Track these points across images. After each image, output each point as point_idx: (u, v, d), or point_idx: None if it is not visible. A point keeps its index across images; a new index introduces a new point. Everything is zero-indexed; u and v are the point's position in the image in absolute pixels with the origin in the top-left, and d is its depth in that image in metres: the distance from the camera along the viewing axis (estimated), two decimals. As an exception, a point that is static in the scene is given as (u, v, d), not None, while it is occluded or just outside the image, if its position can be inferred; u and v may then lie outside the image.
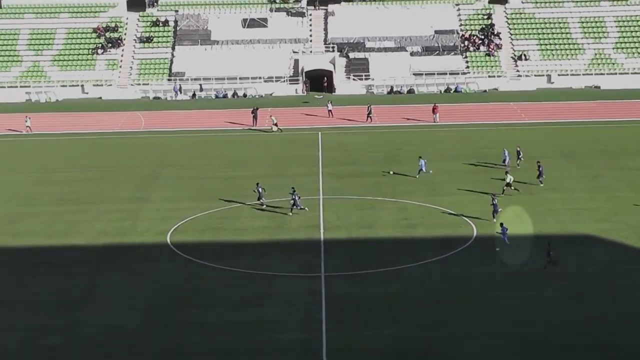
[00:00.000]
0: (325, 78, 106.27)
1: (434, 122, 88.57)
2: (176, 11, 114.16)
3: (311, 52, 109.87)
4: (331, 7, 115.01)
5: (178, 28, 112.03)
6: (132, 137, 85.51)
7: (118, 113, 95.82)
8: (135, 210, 62.18)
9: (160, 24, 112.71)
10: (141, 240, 56.44)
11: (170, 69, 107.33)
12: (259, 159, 76.16)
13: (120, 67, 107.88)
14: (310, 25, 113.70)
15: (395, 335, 42.70)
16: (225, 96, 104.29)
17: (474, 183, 66.87)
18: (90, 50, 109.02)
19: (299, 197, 60.11)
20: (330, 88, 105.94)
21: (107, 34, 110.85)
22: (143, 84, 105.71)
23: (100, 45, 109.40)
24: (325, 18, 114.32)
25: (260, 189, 61.82)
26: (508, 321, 43.98)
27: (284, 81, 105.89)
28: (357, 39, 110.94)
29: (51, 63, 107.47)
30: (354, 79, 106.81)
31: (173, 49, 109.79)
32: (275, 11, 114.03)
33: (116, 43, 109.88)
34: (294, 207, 60.03)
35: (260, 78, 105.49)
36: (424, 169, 68.89)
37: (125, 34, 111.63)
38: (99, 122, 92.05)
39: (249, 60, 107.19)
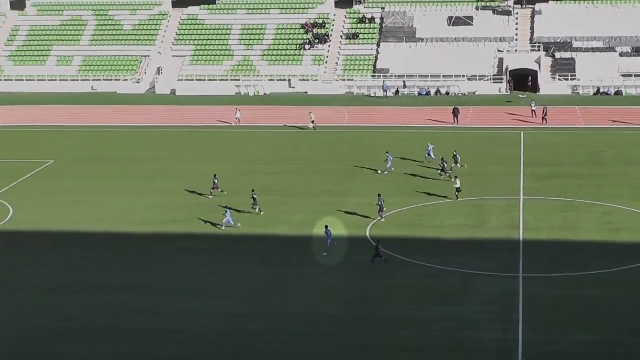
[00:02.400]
0: (530, 77, 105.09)
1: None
2: (382, 8, 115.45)
3: (516, 51, 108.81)
4: (538, 6, 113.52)
5: (384, 25, 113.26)
6: (335, 132, 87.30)
7: (323, 108, 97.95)
8: (336, 204, 63.47)
9: (367, 21, 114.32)
10: (341, 232, 57.32)
11: (374, 66, 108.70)
12: (459, 156, 76.33)
13: (326, 62, 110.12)
14: (517, 24, 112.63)
15: (592, 341, 42.26)
16: (428, 93, 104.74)
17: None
18: (298, 46, 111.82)
19: (383, 201, 59.88)
20: (535, 88, 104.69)
21: (315, 31, 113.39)
22: (348, 80, 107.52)
23: (307, 41, 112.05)
24: (532, 17, 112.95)
25: (255, 196, 61.46)
26: None
27: (488, 80, 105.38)
28: (564, 39, 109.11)
29: (260, 58, 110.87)
30: (559, 79, 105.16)
31: (378, 45, 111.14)
32: (481, 9, 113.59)
33: (323, 39, 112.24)
34: (380, 212, 59.73)
35: (463, 76, 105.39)
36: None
37: (332, 31, 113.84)
38: (304, 116, 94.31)
39: (453, 58, 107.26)
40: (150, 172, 73.19)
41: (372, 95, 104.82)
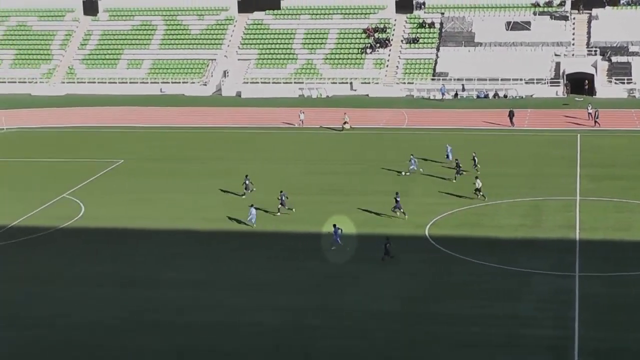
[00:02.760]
0: (587, 81, 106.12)
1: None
2: (442, 13, 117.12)
3: (573, 55, 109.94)
4: (595, 11, 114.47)
5: (443, 30, 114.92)
6: (395, 133, 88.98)
7: (383, 110, 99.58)
8: (398, 203, 64.91)
9: (427, 26, 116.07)
10: (401, 231, 58.68)
11: (434, 69, 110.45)
12: (516, 158, 77.54)
13: (387, 66, 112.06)
14: (574, 28, 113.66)
15: (647, 338, 42.58)
16: (486, 96, 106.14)
17: None
18: (359, 49, 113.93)
19: (399, 200, 61.24)
20: (591, 91, 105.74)
21: (376, 35, 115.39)
22: (408, 83, 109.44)
23: (369, 45, 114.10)
24: (589, 22, 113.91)
25: (283, 197, 62.55)
26: None
27: (545, 83, 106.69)
28: (620, 43, 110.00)
29: (323, 61, 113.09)
30: (615, 83, 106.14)
31: (438, 49, 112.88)
32: (538, 14, 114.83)
33: (384, 43, 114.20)
34: (397, 209, 61.27)
35: (521, 80, 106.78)
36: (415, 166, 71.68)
37: (393, 35, 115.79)
38: (366, 118, 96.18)
39: (511, 62, 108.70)
40: (216, 172, 74.92)
41: (432, 97, 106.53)
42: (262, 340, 44.16)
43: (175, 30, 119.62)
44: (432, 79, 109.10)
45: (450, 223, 60.58)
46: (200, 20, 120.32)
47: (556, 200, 64.95)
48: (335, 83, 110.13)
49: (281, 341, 43.92)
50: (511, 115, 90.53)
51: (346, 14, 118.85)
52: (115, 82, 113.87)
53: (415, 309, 47.07)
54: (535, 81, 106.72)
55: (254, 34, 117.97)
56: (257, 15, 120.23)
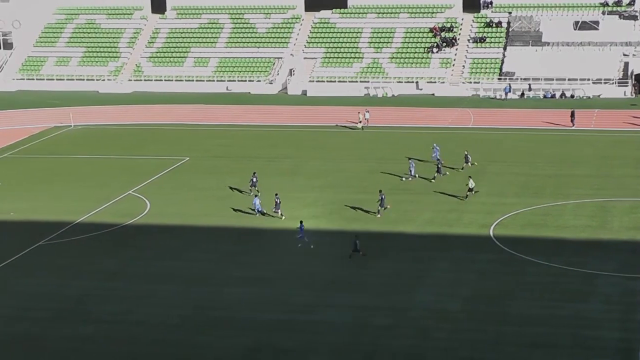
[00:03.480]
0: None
1: None
2: (509, 13, 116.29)
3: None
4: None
5: (510, 29, 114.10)
6: (461, 133, 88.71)
7: (449, 109, 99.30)
8: (461, 203, 64.82)
9: (494, 25, 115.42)
10: (466, 231, 58.90)
11: (500, 69, 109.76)
12: (583, 159, 76.88)
13: (453, 65, 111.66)
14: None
15: None
16: (553, 96, 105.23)
17: None
18: (425, 49, 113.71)
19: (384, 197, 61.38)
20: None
21: (443, 34, 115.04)
22: (474, 82, 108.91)
23: (435, 44, 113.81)
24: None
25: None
26: None
27: (613, 83, 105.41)
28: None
29: (389, 60, 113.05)
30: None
31: (504, 49, 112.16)
32: (607, 14, 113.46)
33: (450, 42, 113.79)
34: (381, 206, 62.35)
35: (588, 80, 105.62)
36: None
37: (459, 34, 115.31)
38: (431, 117, 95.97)
39: (579, 62, 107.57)
40: (281, 170, 75.43)
41: (498, 97, 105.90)
42: (327, 338, 44.47)
43: (242, 28, 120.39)
44: (499, 79, 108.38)
45: (515, 223, 60.40)
46: (267, 18, 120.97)
47: (623, 201, 64.39)
48: (401, 82, 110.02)
49: (347, 339, 44.20)
50: (572, 115, 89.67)
51: (413, 12, 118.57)
52: (182, 80, 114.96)
53: (481, 309, 47.16)
54: (602, 81, 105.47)
55: (321, 32, 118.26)
56: (324, 13, 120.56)
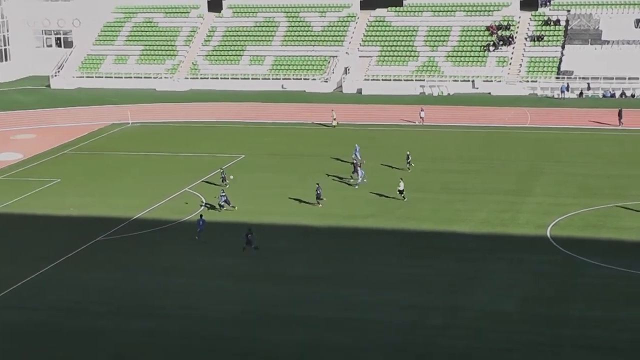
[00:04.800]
0: None
1: None
2: (568, 11, 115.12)
3: None
4: None
5: (569, 27, 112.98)
6: (517, 132, 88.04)
7: (505, 108, 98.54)
8: (517, 203, 64.39)
9: (552, 23, 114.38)
10: (522, 232, 58.48)
11: (558, 68, 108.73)
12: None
13: (510, 64, 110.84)
14: None
15: None
16: (612, 95, 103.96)
17: None
18: (482, 47, 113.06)
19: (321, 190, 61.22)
20: None
21: (499, 32, 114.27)
22: (531, 81, 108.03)
23: (492, 42, 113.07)
24: None
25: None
26: None
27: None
28: None
29: (445, 59, 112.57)
30: None
31: (563, 47, 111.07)
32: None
33: (507, 41, 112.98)
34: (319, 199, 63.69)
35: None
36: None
37: (516, 33, 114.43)
38: (487, 116, 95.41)
39: (639, 61, 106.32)
40: (336, 169, 75.21)
41: (556, 97, 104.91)
42: (381, 337, 44.50)
43: (297, 27, 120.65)
44: (557, 77, 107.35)
45: (573, 224, 59.91)
46: (322, 17, 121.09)
47: (684, 203, 63.70)
48: (457, 81, 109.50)
49: (400, 339, 44.26)
50: (620, 114, 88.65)
51: (469, 11, 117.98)
52: (238, 78, 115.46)
53: (538, 311, 46.90)
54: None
55: (376, 31, 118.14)
56: (379, 12, 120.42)
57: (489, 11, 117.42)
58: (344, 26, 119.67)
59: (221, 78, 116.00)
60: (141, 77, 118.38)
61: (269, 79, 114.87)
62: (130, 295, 50.59)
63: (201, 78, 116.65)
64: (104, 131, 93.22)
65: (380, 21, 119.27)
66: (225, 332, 45.70)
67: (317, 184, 65.78)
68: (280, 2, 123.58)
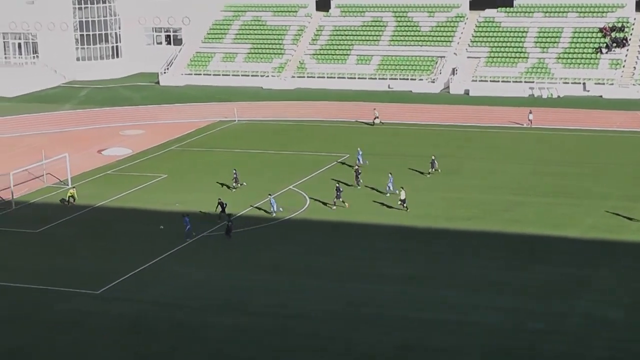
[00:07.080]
0: None
1: None
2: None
3: None
4: None
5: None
6: (630, 137, 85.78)
7: (617, 112, 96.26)
8: (628, 208, 62.85)
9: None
10: (633, 238, 57.13)
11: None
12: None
13: (624, 66, 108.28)
14: None
15: None
16: None
17: None
18: (594, 49, 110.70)
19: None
20: None
21: (613, 34, 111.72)
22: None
23: (605, 44, 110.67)
24: None
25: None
26: None
27: None
28: None
29: (555, 60, 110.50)
30: None
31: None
32: None
33: (621, 43, 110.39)
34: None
35: None
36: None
37: (631, 35, 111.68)
38: (597, 119, 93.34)
39: None
40: (442, 169, 74.51)
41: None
42: (481, 340, 44.13)
43: (405, 26, 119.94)
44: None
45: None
46: (431, 17, 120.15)
47: None
48: (567, 83, 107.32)
49: (501, 343, 43.82)
50: None
51: (582, 12, 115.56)
52: (344, 78, 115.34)
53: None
54: None
55: (485, 31, 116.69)
56: (489, 12, 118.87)
57: (603, 12, 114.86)
58: (453, 26, 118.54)
59: (328, 77, 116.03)
60: (248, 75, 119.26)
61: (375, 78, 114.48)
62: (230, 291, 51.07)
63: (308, 77, 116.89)
64: (211, 128, 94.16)
65: (489, 22, 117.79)
66: (321, 331, 45.77)
67: (337, 182, 64.73)
68: (389, 1, 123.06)
